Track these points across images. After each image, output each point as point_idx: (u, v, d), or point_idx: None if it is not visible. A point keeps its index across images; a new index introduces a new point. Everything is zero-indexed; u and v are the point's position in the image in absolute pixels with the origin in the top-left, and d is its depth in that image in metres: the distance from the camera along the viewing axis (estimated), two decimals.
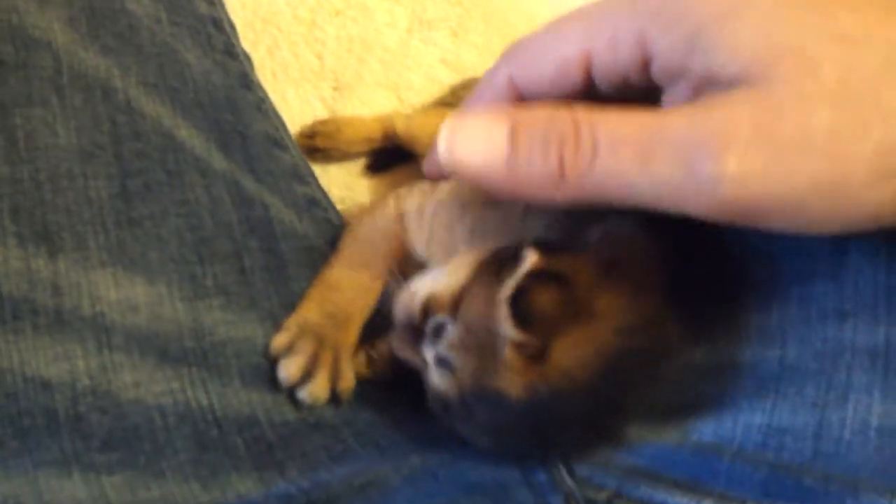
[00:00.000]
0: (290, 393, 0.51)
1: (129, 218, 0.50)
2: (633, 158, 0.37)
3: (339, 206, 0.69)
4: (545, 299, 0.44)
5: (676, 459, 0.50)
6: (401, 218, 0.56)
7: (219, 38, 0.61)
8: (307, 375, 0.51)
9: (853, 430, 0.45)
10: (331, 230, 0.62)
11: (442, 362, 0.47)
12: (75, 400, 0.45)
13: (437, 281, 0.49)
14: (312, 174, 0.64)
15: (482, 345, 0.45)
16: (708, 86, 0.38)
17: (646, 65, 0.40)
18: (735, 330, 0.50)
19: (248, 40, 0.71)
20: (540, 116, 0.39)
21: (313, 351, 0.51)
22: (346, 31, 0.72)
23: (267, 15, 0.70)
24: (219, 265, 0.52)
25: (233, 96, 0.60)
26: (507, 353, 0.44)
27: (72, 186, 0.48)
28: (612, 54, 0.41)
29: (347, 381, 0.53)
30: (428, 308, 0.48)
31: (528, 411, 0.44)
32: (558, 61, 0.42)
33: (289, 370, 0.51)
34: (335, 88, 0.72)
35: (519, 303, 0.44)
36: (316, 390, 0.51)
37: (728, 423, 0.49)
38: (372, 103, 0.72)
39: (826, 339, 0.47)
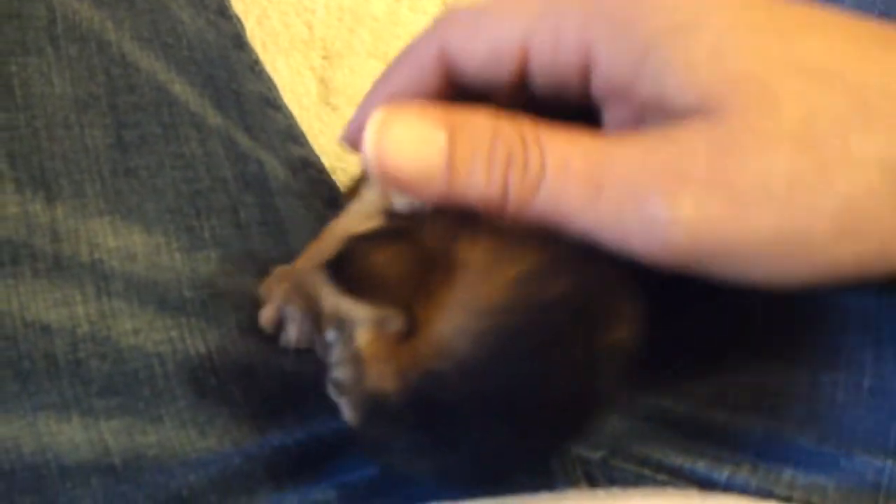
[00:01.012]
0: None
1: (125, 168, 0.50)
2: (580, 191, 0.34)
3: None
4: (383, 258, 0.35)
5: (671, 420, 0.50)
6: None
7: None
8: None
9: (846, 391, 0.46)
10: (327, 191, 0.62)
11: (336, 385, 0.39)
12: (75, 345, 0.45)
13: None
14: (306, 139, 0.64)
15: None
16: (655, 111, 0.35)
17: (586, 74, 0.36)
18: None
19: (238, 10, 0.71)
20: (484, 127, 0.35)
21: (287, 295, 0.45)
22: (335, 0, 0.72)
23: None
24: (215, 218, 0.52)
25: (226, 55, 0.59)
26: (360, 337, 0.36)
27: (68, 135, 0.48)
28: (552, 54, 0.37)
29: None
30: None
31: (414, 412, 0.35)
32: (493, 45, 0.38)
33: (262, 317, 0.46)
34: (325, 58, 0.72)
35: (345, 267, 0.35)
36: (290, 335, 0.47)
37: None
38: (362, 72, 0.73)
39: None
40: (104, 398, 0.45)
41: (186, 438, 0.46)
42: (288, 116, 0.63)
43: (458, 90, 0.40)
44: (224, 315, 0.50)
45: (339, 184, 0.70)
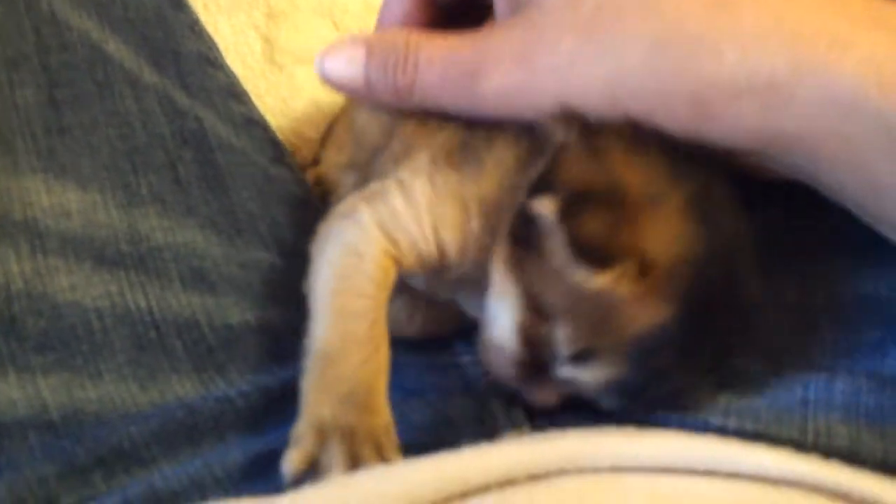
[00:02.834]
0: None
1: (59, 126, 0.49)
2: (437, 76, 0.46)
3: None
4: (595, 224, 0.40)
5: None
6: (384, 235, 0.46)
7: None
8: None
9: None
10: (272, 149, 0.62)
11: (579, 359, 0.43)
12: (9, 302, 0.45)
13: (501, 313, 0.44)
14: (249, 98, 0.64)
15: (595, 317, 0.41)
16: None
17: None
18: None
19: None
20: (387, 40, 0.49)
21: (346, 457, 0.41)
22: None
23: None
24: (153, 174, 0.52)
25: (163, 15, 0.59)
26: (618, 293, 0.40)
27: None
28: None
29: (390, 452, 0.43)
30: (530, 339, 0.44)
31: (680, 330, 0.41)
32: None
33: None
34: (268, 16, 0.72)
35: (583, 249, 0.40)
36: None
37: None
38: (307, 30, 0.72)
39: None
40: (41, 354, 0.45)
41: (127, 392, 0.46)
42: (229, 75, 0.62)
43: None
44: (164, 268, 0.50)
45: (285, 141, 0.70)
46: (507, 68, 0.44)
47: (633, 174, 0.41)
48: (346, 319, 0.44)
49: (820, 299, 0.49)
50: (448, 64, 0.46)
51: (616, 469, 0.39)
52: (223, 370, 0.49)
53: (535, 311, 0.43)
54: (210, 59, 0.61)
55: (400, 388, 0.52)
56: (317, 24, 0.73)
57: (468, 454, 0.39)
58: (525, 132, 0.45)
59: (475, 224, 0.46)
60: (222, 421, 0.47)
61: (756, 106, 0.39)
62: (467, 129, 0.47)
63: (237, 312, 0.51)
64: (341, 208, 0.48)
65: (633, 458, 0.39)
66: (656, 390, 0.43)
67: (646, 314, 0.41)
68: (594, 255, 0.40)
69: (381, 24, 0.54)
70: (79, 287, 0.46)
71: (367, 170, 0.54)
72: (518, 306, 0.44)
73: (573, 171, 0.42)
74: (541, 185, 0.42)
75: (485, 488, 0.37)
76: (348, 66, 0.49)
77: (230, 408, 0.48)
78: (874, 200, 0.40)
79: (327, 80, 0.50)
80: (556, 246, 0.41)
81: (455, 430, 0.50)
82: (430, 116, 0.49)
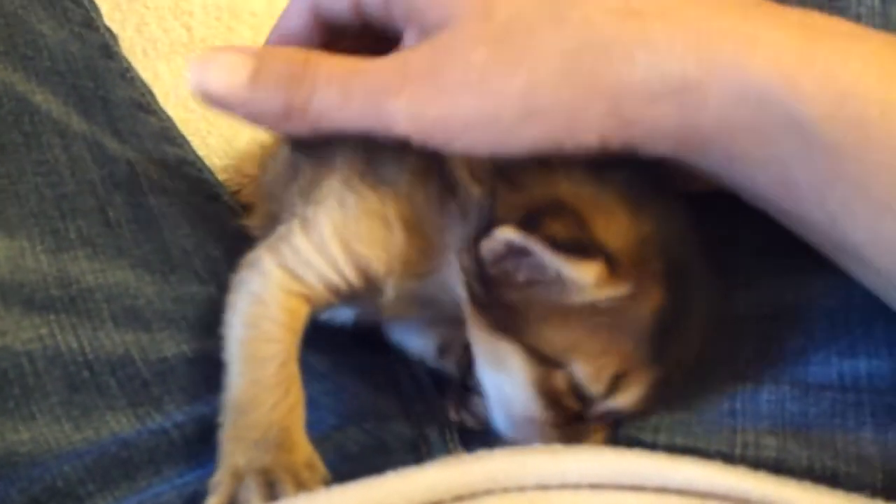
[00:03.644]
0: None
1: None
2: (338, 95, 0.43)
3: (221, 175, 0.70)
4: (560, 227, 0.41)
5: None
6: (287, 276, 0.47)
7: (76, 11, 0.62)
8: None
9: None
10: (206, 188, 0.64)
11: (613, 389, 0.44)
12: None
13: (507, 383, 0.45)
14: (185, 140, 0.65)
15: (603, 340, 0.43)
16: (424, 28, 0.44)
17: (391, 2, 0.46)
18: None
19: (115, 21, 0.72)
20: (280, 56, 0.45)
21: (263, 491, 0.43)
22: (211, 0, 0.73)
23: None
24: (82, 219, 0.53)
25: (93, 65, 0.61)
26: (606, 297, 0.41)
27: None
28: None
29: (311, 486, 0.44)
30: (552, 395, 0.44)
31: (675, 306, 0.42)
32: None
33: None
34: None
35: (564, 246, 0.41)
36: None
37: None
38: None
39: None
40: None
41: (61, 432, 0.47)
42: (163, 119, 0.64)
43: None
44: (96, 308, 0.51)
45: (229, 180, 0.71)
46: (417, 85, 0.42)
47: (562, 186, 0.42)
48: (254, 366, 0.46)
49: (742, 309, 0.50)
50: (351, 82, 0.43)
51: (542, 487, 0.39)
52: (159, 403, 0.50)
53: (544, 364, 0.43)
54: (142, 104, 0.63)
55: (338, 415, 0.53)
56: None
57: (393, 478, 0.40)
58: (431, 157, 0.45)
59: (399, 239, 0.46)
60: (157, 453, 0.48)
61: (672, 108, 0.40)
62: (368, 151, 0.47)
63: (172, 345, 0.52)
64: (247, 259, 0.49)
65: (559, 475, 0.40)
66: (679, 378, 0.44)
67: (641, 306, 0.42)
68: (576, 248, 0.40)
69: (273, 38, 0.52)
70: (8, 332, 0.47)
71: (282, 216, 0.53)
72: (525, 366, 0.43)
73: (510, 206, 0.42)
74: (484, 232, 0.42)
75: None
76: (230, 75, 0.44)
77: (165, 440, 0.48)
78: (788, 196, 0.41)
79: (203, 92, 0.45)
80: (537, 259, 0.41)
81: (390, 456, 0.50)
82: (322, 145, 0.48)
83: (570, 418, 0.44)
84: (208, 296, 0.55)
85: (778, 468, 0.45)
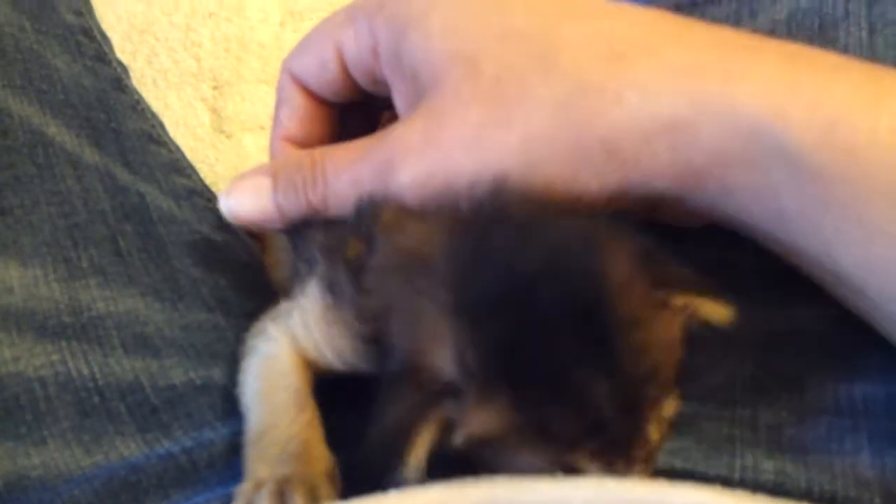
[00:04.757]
0: None
1: (0, 208, 0.52)
2: (349, 186, 0.46)
3: None
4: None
5: None
6: (298, 347, 0.48)
7: (89, 45, 0.64)
8: None
9: None
10: (214, 218, 0.65)
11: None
12: None
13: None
14: (194, 170, 0.67)
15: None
16: (416, 88, 0.45)
17: (380, 60, 0.47)
18: None
19: (126, 52, 0.74)
20: (291, 162, 0.49)
21: (274, 499, 0.43)
22: (220, 31, 0.75)
23: (143, 25, 0.74)
24: (93, 248, 0.54)
25: (105, 98, 0.62)
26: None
27: None
28: (355, 46, 0.47)
29: (325, 497, 0.44)
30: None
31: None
32: (318, 56, 0.49)
33: None
34: (215, 88, 0.75)
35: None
36: None
37: None
38: (253, 98, 0.76)
39: None
40: None
41: (71, 457, 0.48)
42: (173, 150, 0.65)
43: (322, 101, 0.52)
44: (106, 335, 0.52)
45: None
46: (417, 155, 0.44)
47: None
48: (270, 398, 0.47)
49: (737, 334, 0.51)
50: (357, 168, 0.46)
51: None
52: (167, 429, 0.51)
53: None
54: (153, 136, 0.64)
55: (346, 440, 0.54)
56: (261, 91, 0.77)
57: (395, 496, 0.40)
58: None
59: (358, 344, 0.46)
60: (166, 478, 0.49)
61: (665, 145, 0.41)
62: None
63: (181, 373, 0.53)
64: (253, 331, 0.51)
65: (560, 500, 0.39)
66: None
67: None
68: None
69: (275, 138, 0.55)
70: (21, 358, 0.49)
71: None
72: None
73: None
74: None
75: None
76: (256, 198, 0.49)
77: (173, 464, 0.50)
78: (781, 226, 0.42)
79: (237, 219, 0.50)
80: None
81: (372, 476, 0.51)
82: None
83: None
84: (216, 324, 0.57)
85: (776, 491, 0.46)
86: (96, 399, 0.50)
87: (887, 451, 0.45)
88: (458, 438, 0.40)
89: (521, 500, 0.40)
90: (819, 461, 0.47)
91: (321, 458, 0.45)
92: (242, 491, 0.44)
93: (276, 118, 0.55)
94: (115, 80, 0.64)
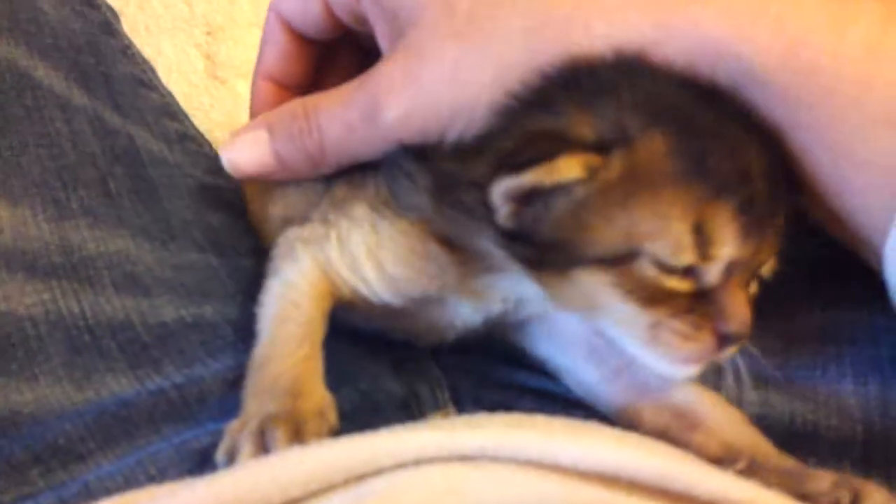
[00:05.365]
0: None
1: None
2: (340, 126, 0.48)
3: None
4: (529, 151, 0.41)
5: None
6: (325, 276, 0.49)
7: None
8: None
9: None
10: (206, 162, 0.65)
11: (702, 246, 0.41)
12: None
13: (622, 310, 0.42)
14: (186, 115, 0.67)
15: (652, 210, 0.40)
16: (395, 26, 0.47)
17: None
18: None
19: None
20: (285, 113, 0.50)
21: (253, 442, 0.41)
22: None
23: None
24: (83, 189, 0.55)
25: (94, 41, 0.62)
26: (582, 180, 0.40)
27: None
28: None
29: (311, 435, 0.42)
30: (667, 272, 0.41)
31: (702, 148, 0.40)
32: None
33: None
34: (208, 33, 0.75)
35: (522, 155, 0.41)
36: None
37: None
38: (246, 43, 0.76)
39: None
40: None
41: (63, 393, 0.49)
42: (164, 95, 0.65)
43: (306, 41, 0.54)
44: (97, 275, 0.52)
45: None
46: (399, 93, 0.46)
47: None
48: (277, 328, 0.47)
49: None
50: (347, 111, 0.47)
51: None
52: (158, 365, 0.51)
53: (619, 265, 0.41)
54: (144, 80, 0.64)
55: (332, 376, 0.54)
56: (254, 35, 0.77)
57: (382, 436, 0.40)
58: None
59: (437, 254, 0.47)
60: (156, 413, 0.50)
61: None
62: (388, 180, 0.49)
63: (172, 310, 0.53)
64: (279, 250, 0.51)
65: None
66: (763, 190, 0.41)
67: (652, 157, 0.40)
68: (540, 155, 0.40)
69: (257, 76, 0.56)
70: (12, 297, 0.49)
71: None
72: (606, 280, 0.42)
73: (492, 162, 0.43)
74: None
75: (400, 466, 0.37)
76: (254, 149, 0.50)
77: (164, 400, 0.50)
78: None
79: (238, 171, 0.51)
80: (526, 189, 0.41)
81: (382, 414, 0.51)
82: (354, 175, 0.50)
83: (693, 299, 0.41)
84: (207, 264, 0.57)
85: (759, 423, 0.46)
86: (87, 337, 0.50)
87: (870, 377, 0.45)
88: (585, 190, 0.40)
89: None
90: (803, 391, 0.47)
91: (314, 394, 0.45)
92: (229, 430, 0.43)
93: (260, 57, 0.56)
94: (104, 23, 0.64)
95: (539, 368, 0.53)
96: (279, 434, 0.41)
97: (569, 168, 0.40)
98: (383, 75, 0.47)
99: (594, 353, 0.50)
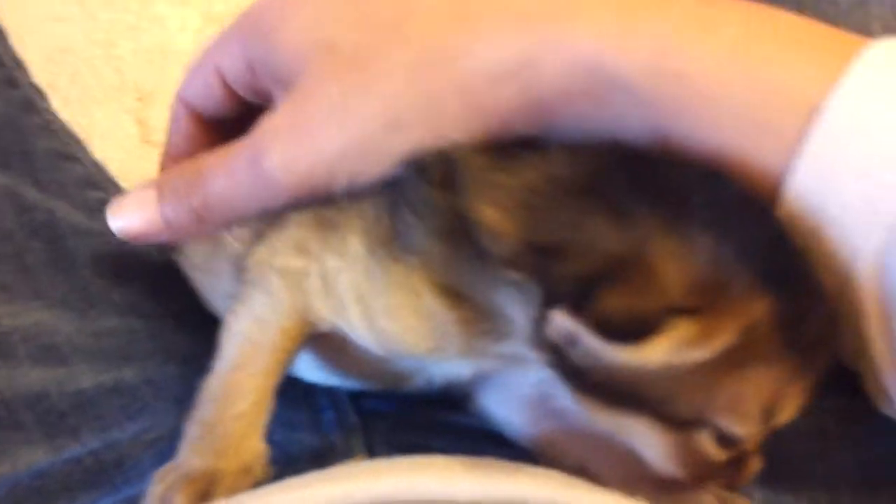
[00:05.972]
0: None
1: None
2: (225, 180, 0.46)
3: None
4: (614, 298, 0.35)
5: None
6: (302, 309, 0.45)
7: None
8: None
9: None
10: None
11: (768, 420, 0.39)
12: None
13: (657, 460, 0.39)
14: (112, 183, 0.68)
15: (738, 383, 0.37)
16: (284, 88, 0.46)
17: (255, 73, 0.48)
18: None
19: (50, 73, 0.76)
20: (174, 173, 0.49)
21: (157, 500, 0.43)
22: (141, 43, 0.77)
23: (64, 45, 0.76)
24: None
25: (14, 121, 0.64)
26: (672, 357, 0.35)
27: None
28: (231, 65, 0.49)
29: (222, 495, 0.43)
30: (696, 463, 0.39)
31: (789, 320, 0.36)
32: (202, 80, 0.51)
33: None
34: (139, 99, 0.77)
35: (614, 327, 0.35)
36: None
37: None
38: None
39: None
40: None
41: None
42: (88, 165, 0.67)
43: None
44: (12, 350, 0.54)
45: None
46: (283, 138, 0.44)
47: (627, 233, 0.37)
48: (230, 373, 0.45)
49: None
50: (230, 163, 0.46)
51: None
52: (76, 433, 0.52)
53: (681, 429, 0.38)
54: (66, 154, 0.66)
55: None
56: None
57: (292, 487, 0.42)
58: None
59: (435, 308, 0.42)
60: (71, 481, 0.51)
61: (514, 87, 0.42)
62: (391, 212, 0.43)
63: (91, 377, 0.55)
64: (251, 275, 0.47)
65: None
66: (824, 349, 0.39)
67: (754, 323, 0.35)
68: (633, 328, 0.34)
69: (165, 159, 0.55)
70: None
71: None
72: (660, 438, 0.39)
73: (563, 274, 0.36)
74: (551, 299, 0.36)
75: None
76: (141, 210, 0.48)
77: (79, 468, 0.51)
78: None
79: (127, 235, 0.49)
80: (590, 343, 0.35)
81: (295, 466, 0.52)
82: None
83: (718, 466, 0.39)
84: (128, 327, 0.58)
85: None
86: (3, 412, 0.52)
87: None
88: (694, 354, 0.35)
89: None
90: None
91: (240, 450, 0.44)
92: (151, 491, 0.44)
93: (168, 141, 0.55)
94: (25, 102, 0.66)
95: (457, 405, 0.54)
96: (179, 499, 0.43)
97: (657, 353, 0.34)
98: (268, 123, 0.45)
99: (528, 404, 0.49)
